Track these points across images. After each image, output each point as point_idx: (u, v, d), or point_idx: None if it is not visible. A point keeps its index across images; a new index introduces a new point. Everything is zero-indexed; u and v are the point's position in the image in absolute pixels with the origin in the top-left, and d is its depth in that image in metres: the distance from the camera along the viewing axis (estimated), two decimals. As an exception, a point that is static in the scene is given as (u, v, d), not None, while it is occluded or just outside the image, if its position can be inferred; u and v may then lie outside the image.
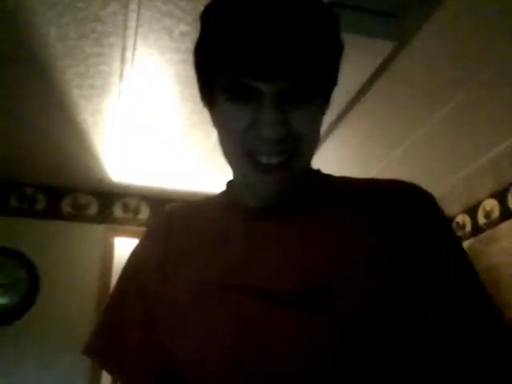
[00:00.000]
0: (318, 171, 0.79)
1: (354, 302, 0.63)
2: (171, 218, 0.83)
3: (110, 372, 0.80)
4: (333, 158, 2.67)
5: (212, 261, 0.72)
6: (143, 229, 3.61)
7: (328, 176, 0.78)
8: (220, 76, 0.66)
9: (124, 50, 2.12)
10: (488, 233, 3.11)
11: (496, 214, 3.07)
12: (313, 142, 0.70)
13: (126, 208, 3.53)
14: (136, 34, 2.03)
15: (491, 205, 3.11)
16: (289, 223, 0.71)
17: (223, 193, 0.82)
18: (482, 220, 3.18)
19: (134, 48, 2.11)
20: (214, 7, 0.68)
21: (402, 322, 0.64)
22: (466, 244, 3.22)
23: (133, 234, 3.57)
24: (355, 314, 0.63)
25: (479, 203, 3.20)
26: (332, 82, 0.72)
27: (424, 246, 0.67)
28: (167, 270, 0.76)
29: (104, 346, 0.78)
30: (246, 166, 0.68)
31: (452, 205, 3.27)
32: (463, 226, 3.30)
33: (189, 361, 0.69)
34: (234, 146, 0.68)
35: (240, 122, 0.66)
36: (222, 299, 0.68)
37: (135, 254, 0.83)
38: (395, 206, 0.69)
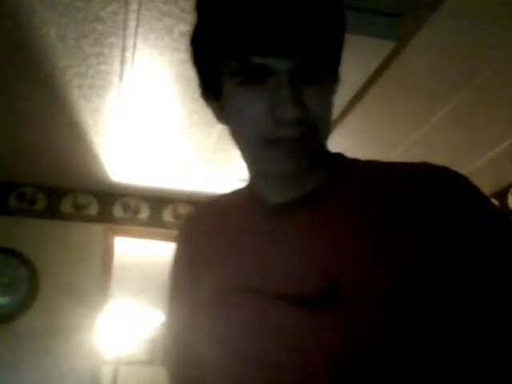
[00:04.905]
0: (338, 155, 0.75)
1: (375, 302, 0.61)
2: (194, 221, 0.84)
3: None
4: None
5: (232, 263, 0.71)
6: (143, 228, 3.59)
7: (350, 161, 0.74)
8: (229, 60, 0.63)
9: (124, 50, 2.12)
10: (488, 233, 3.10)
11: (496, 213, 3.06)
12: (329, 120, 0.67)
13: (125, 208, 3.53)
14: (136, 33, 2.03)
15: (491, 205, 3.11)
16: (307, 220, 0.68)
17: (245, 188, 0.79)
18: (481, 220, 3.18)
19: (134, 48, 2.11)
20: None
21: (420, 320, 0.62)
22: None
23: (133, 234, 3.57)
24: (374, 315, 0.61)
25: (479, 203, 3.20)
26: (338, 58, 0.70)
27: (459, 238, 0.62)
28: (194, 273, 0.77)
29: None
30: (264, 151, 0.65)
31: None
32: (463, 226, 3.30)
33: (211, 362, 0.70)
34: (251, 134, 0.65)
35: (256, 107, 0.63)
36: (244, 302, 0.67)
37: (171, 260, 0.85)
38: (422, 193, 0.64)
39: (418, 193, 0.64)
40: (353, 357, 0.61)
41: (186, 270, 0.80)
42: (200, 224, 0.82)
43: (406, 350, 0.62)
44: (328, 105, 0.67)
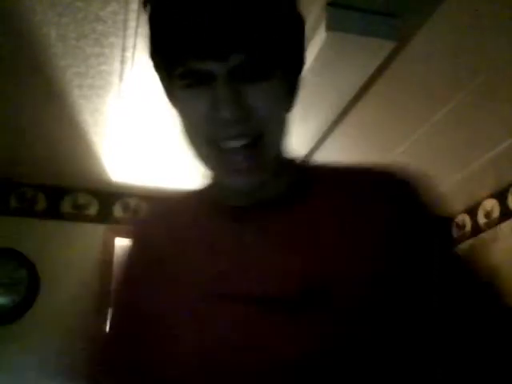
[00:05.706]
0: (298, 159, 0.76)
1: (348, 303, 0.62)
2: (153, 221, 0.82)
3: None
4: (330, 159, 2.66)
5: (198, 268, 0.70)
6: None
7: (311, 165, 0.76)
8: (173, 66, 0.65)
9: (124, 50, 2.12)
10: (488, 233, 3.11)
11: (496, 214, 3.07)
12: (276, 119, 0.67)
13: (125, 208, 3.53)
14: (136, 34, 2.03)
15: (491, 205, 3.11)
16: (272, 223, 0.69)
17: (204, 190, 0.79)
18: (482, 220, 3.18)
19: (134, 48, 2.11)
20: (157, 7, 0.67)
21: (398, 321, 0.64)
22: (466, 244, 3.22)
23: (133, 234, 3.57)
24: (350, 315, 0.62)
25: (479, 203, 3.20)
26: (292, 57, 0.69)
27: (400, 240, 0.67)
28: (153, 278, 0.74)
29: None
30: (212, 156, 0.68)
31: (452, 205, 3.27)
32: (463, 226, 3.30)
33: (174, 372, 0.67)
34: (197, 136, 0.68)
35: (199, 109, 0.65)
36: (213, 309, 0.66)
37: (123, 263, 0.81)
38: (374, 197, 0.68)
39: (381, 196, 0.69)
40: (335, 358, 0.61)
41: (140, 277, 0.76)
42: (159, 225, 0.80)
43: (388, 351, 0.63)
44: (276, 102, 0.66)
